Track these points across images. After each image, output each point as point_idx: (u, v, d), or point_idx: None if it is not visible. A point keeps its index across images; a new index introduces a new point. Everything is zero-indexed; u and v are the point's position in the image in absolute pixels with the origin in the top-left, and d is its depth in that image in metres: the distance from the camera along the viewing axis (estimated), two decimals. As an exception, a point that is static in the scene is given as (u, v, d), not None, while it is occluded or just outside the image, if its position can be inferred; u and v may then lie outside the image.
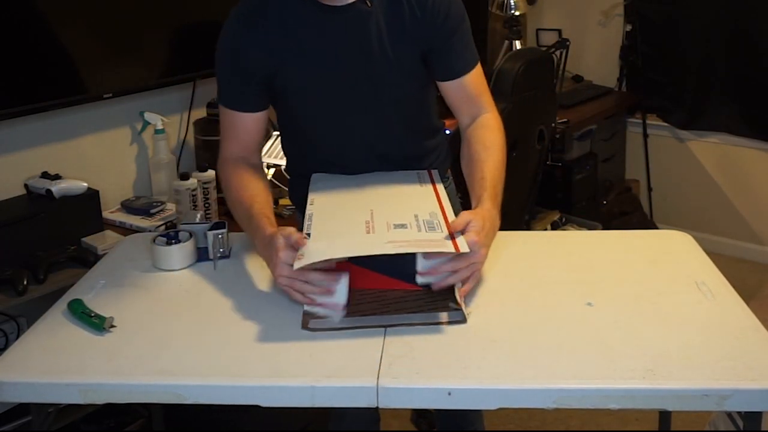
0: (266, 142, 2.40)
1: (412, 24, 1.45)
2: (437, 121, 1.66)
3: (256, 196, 1.41)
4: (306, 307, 1.25)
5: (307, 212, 1.36)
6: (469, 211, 1.30)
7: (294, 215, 2.20)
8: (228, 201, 1.49)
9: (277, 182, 2.34)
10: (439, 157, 1.64)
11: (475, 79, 1.53)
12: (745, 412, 1.16)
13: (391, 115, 1.53)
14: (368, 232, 1.24)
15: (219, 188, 2.24)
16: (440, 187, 1.47)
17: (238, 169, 1.48)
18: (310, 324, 1.23)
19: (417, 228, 1.25)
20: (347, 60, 1.45)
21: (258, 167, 1.53)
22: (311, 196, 1.45)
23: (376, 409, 1.85)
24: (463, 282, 1.26)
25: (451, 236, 1.23)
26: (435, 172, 1.55)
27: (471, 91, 1.52)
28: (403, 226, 1.26)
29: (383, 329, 1.21)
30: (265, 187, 1.47)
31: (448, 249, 1.21)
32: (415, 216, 1.30)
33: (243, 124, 1.50)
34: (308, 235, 1.25)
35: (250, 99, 1.49)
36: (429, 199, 1.40)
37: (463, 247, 1.21)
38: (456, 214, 1.34)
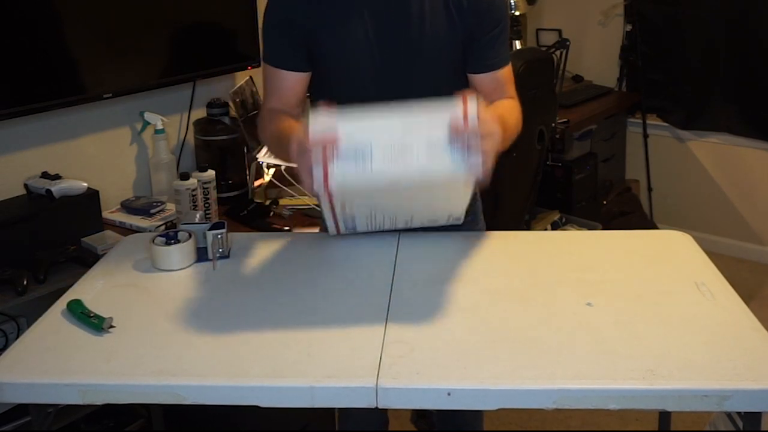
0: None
1: (456, 10, 1.45)
2: None
3: (291, 122, 1.42)
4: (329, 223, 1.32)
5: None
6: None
7: (294, 215, 2.21)
8: (265, 142, 1.51)
9: (277, 182, 2.34)
10: None
11: (506, 76, 1.55)
12: (745, 413, 1.16)
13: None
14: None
15: (219, 188, 2.25)
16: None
17: (277, 116, 1.49)
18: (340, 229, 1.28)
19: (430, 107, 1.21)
20: (384, 32, 1.45)
21: (296, 118, 1.51)
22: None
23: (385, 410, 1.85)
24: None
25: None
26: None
27: (500, 83, 1.54)
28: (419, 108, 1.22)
29: (383, 330, 1.21)
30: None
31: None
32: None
33: (285, 83, 1.52)
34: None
35: (292, 56, 1.50)
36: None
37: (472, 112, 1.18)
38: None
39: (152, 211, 2.13)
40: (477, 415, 1.91)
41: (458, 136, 1.19)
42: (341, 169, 1.17)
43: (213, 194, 2.18)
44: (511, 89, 1.57)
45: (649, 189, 3.74)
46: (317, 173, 1.17)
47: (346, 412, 1.88)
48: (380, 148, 1.18)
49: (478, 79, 1.53)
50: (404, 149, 1.18)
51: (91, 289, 1.40)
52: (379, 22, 1.45)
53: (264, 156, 2.33)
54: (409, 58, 1.47)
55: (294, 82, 1.52)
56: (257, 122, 1.54)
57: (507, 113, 1.45)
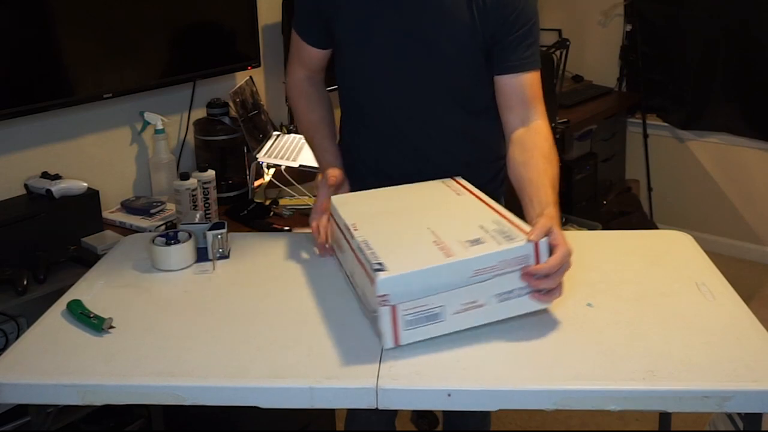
0: (269, 139, 2.40)
1: (478, 9, 1.43)
2: (501, 149, 1.58)
3: (319, 125, 1.60)
4: None
5: (359, 239, 1.23)
6: (546, 217, 1.24)
7: (294, 215, 2.20)
8: (297, 122, 1.69)
9: (276, 182, 2.34)
10: (494, 181, 1.57)
11: (532, 82, 1.48)
12: (746, 413, 1.16)
13: (442, 105, 1.52)
14: (448, 255, 1.16)
15: (219, 188, 2.25)
16: (477, 191, 1.42)
17: (305, 92, 1.64)
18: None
19: (495, 241, 1.19)
20: (401, 26, 1.44)
21: (322, 86, 1.66)
22: (349, 222, 1.31)
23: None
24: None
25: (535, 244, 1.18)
26: (461, 179, 1.49)
27: (525, 93, 1.48)
28: (478, 241, 1.20)
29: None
30: (329, 110, 1.64)
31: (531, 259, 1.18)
32: (482, 227, 1.24)
33: (307, 53, 1.61)
34: (380, 264, 1.13)
35: (314, 32, 1.57)
36: (479, 208, 1.35)
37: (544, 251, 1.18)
38: None
39: (152, 211, 2.13)
40: (484, 415, 1.90)
41: (532, 284, 1.18)
42: (412, 329, 1.15)
43: (213, 194, 2.17)
44: (538, 106, 1.49)
45: (649, 189, 3.74)
46: (386, 329, 1.14)
47: (353, 414, 1.86)
48: (452, 308, 1.16)
49: (502, 81, 1.48)
50: (476, 305, 1.18)
51: (91, 289, 1.40)
52: (396, 10, 1.44)
53: (263, 156, 2.33)
54: (425, 54, 1.46)
55: (315, 55, 1.60)
56: (286, 90, 1.69)
57: (555, 180, 1.37)
